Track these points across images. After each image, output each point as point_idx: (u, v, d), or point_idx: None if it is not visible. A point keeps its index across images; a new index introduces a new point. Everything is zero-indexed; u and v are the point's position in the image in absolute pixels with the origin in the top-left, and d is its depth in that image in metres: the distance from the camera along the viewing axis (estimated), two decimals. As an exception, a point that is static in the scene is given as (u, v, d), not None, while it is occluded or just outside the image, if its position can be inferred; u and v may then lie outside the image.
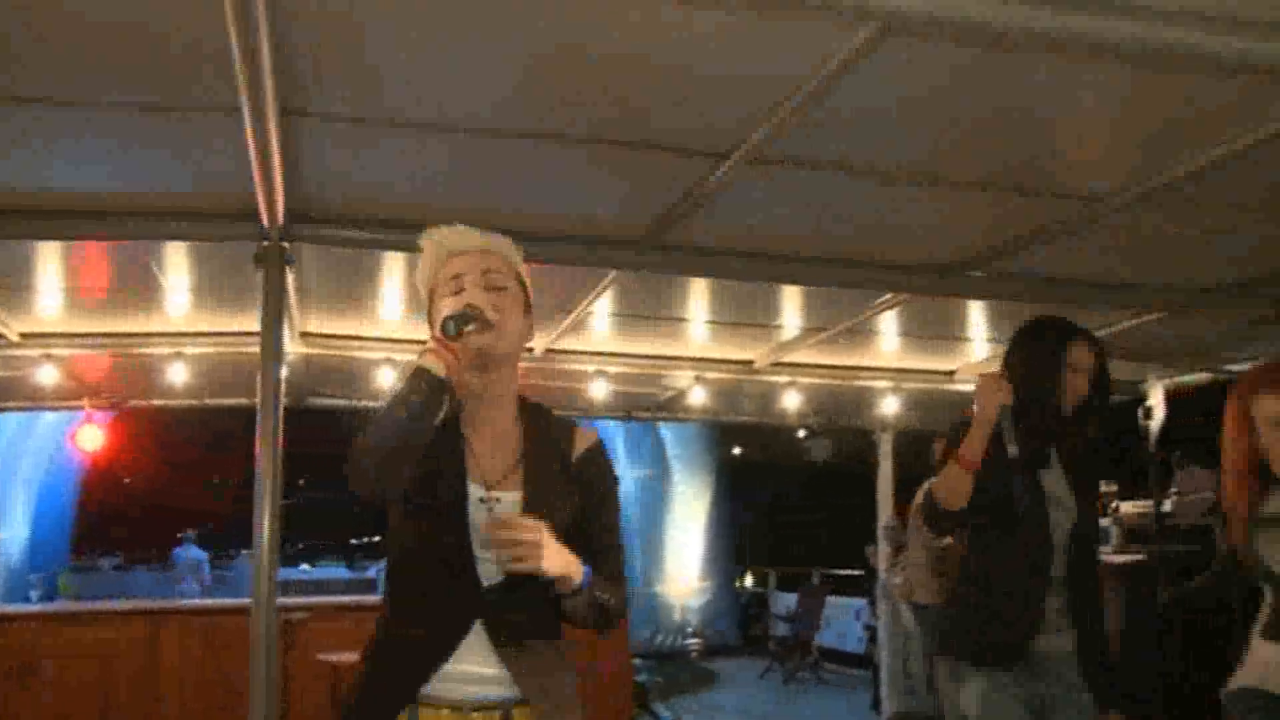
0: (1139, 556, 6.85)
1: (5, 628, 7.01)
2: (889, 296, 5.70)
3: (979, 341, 6.99)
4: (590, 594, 2.15)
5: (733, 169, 3.89)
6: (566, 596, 2.12)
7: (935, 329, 6.62)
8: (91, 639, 6.97)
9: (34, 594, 8.57)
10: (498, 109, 3.60)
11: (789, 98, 3.30)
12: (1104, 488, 7.61)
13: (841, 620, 13.56)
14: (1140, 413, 7.41)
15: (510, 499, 2.15)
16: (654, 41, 3.05)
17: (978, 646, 3.32)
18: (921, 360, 7.60)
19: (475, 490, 2.14)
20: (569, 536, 2.14)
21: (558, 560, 2.05)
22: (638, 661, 9.13)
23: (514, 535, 2.01)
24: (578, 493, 2.25)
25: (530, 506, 2.14)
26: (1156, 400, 7.39)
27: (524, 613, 2.16)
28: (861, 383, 8.03)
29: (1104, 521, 7.22)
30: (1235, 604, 3.48)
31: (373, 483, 2.01)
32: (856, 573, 12.67)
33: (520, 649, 2.14)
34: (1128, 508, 7.49)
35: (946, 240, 4.87)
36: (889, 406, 8.52)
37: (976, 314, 6.26)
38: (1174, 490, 7.25)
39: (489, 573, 2.12)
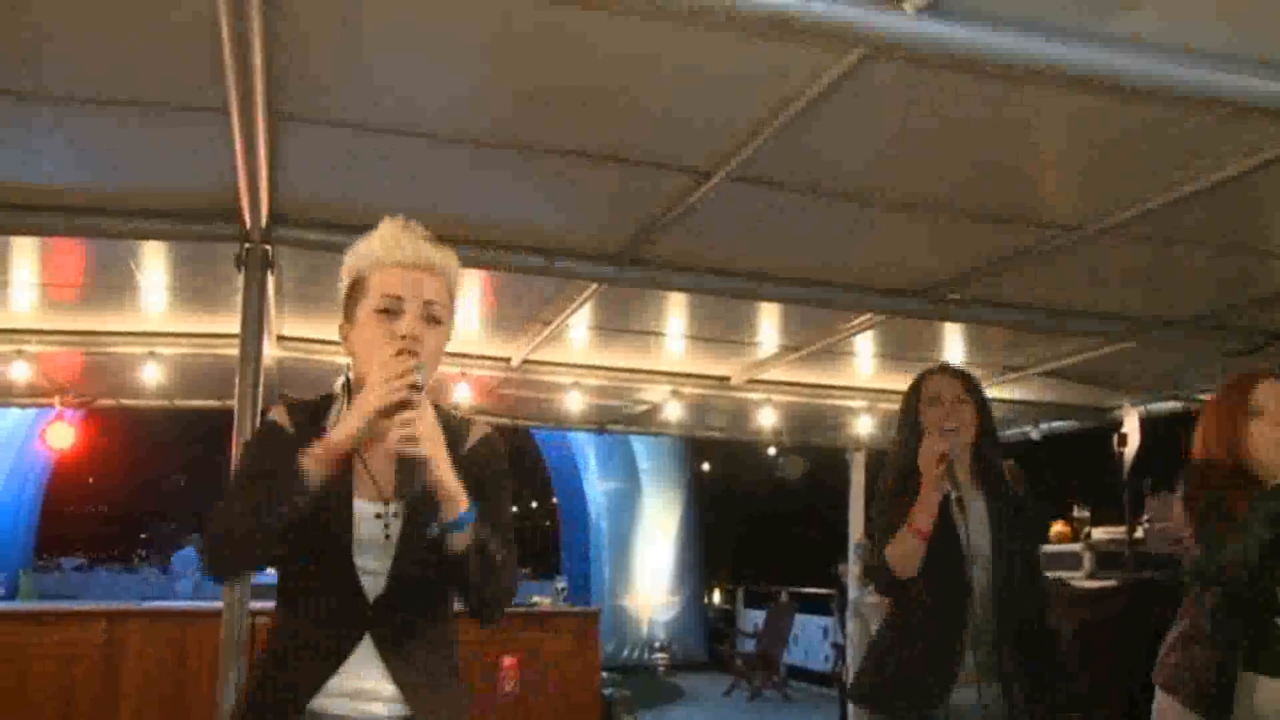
0: (1110, 583, 6.89)
1: (-35, 626, 6.94)
2: (865, 317, 5.75)
3: (955, 364, 7.03)
4: (477, 535, 2.00)
5: (715, 187, 3.92)
6: (451, 528, 1.97)
7: (910, 350, 6.67)
8: (53, 639, 6.90)
9: (-3, 592, 8.49)
10: (481, 120, 3.61)
11: (774, 118, 3.33)
12: (1076, 513, 7.66)
13: (808, 638, 13.60)
14: (1115, 440, 7.47)
15: (395, 509, 2.08)
16: (639, 59, 3.07)
17: (894, 698, 3.26)
18: (896, 380, 7.63)
19: (370, 507, 2.07)
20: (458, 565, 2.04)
21: (447, 468, 1.96)
22: (604, 675, 9.11)
23: (413, 420, 1.94)
24: (466, 485, 2.04)
25: (410, 526, 2.06)
26: (1131, 427, 7.45)
27: (413, 625, 2.10)
28: (836, 401, 8.08)
29: (1075, 547, 7.25)
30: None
31: (235, 569, 2.11)
32: (824, 591, 12.71)
33: (410, 663, 2.08)
34: (1100, 534, 7.54)
35: (922, 263, 4.91)
36: (863, 426, 8.58)
37: (952, 336, 6.32)
38: (1147, 518, 7.30)
39: (375, 587, 2.06)
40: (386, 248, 2.15)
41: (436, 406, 2.17)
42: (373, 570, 2.06)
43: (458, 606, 2.21)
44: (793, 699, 12.55)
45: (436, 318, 2.12)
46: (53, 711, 6.77)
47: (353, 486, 2.08)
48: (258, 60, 3.00)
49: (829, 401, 8.06)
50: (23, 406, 9.46)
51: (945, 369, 3.48)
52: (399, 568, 2.07)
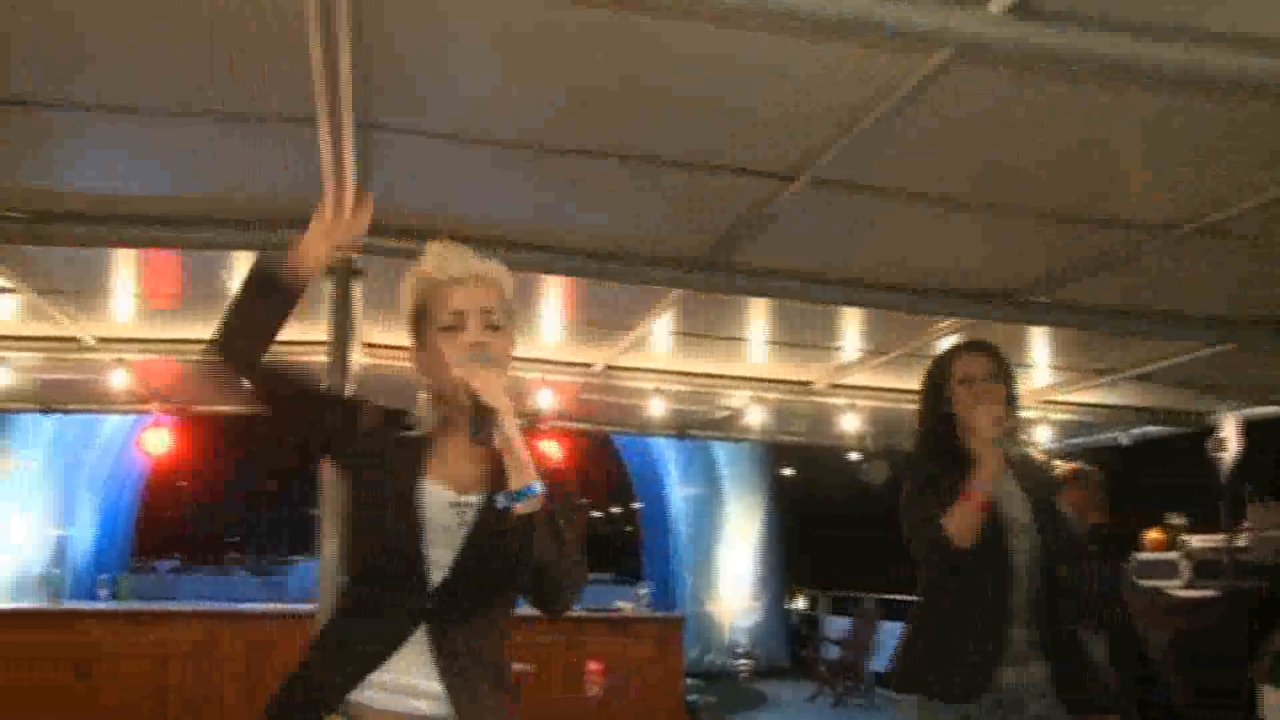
0: (1209, 592, 6.70)
1: (71, 625, 7.16)
2: (949, 321, 5.67)
3: (1041, 368, 6.92)
4: (549, 513, 2.04)
5: (798, 192, 3.90)
6: (521, 496, 2.00)
7: (996, 355, 6.55)
8: (151, 639, 7.09)
9: (102, 593, 8.72)
10: (564, 127, 3.64)
11: (857, 121, 3.31)
12: (1172, 520, 7.47)
13: (895, 645, 13.40)
14: (1210, 445, 7.27)
15: (475, 502, 2.12)
16: (720, 63, 3.07)
17: (940, 681, 3.21)
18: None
19: (444, 494, 2.12)
20: (514, 539, 2.07)
21: (518, 434, 2.02)
22: (687, 680, 9.10)
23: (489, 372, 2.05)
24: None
25: (484, 515, 2.10)
26: (1229, 433, 7.24)
27: (470, 625, 2.11)
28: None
29: (1172, 555, 7.07)
30: None
31: (221, 356, 2.29)
32: (910, 598, 12.53)
33: (460, 664, 2.07)
34: (1197, 542, 7.33)
35: (1008, 266, 4.84)
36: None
37: (1039, 340, 6.20)
38: (1246, 525, 7.09)
39: (438, 578, 2.08)
40: (438, 268, 2.23)
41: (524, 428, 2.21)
42: (439, 562, 2.08)
43: (521, 611, 2.24)
44: (879, 707, 12.40)
45: (497, 325, 2.18)
46: (150, 709, 6.95)
47: (424, 472, 2.13)
48: (346, 70, 3.06)
49: (914, 406, 7.94)
50: (121, 413, 9.74)
51: (975, 346, 3.41)
52: (464, 560, 2.08)
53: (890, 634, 13.33)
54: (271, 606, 8.95)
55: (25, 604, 7.86)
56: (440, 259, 2.25)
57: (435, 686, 2.04)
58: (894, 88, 3.07)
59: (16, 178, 4.24)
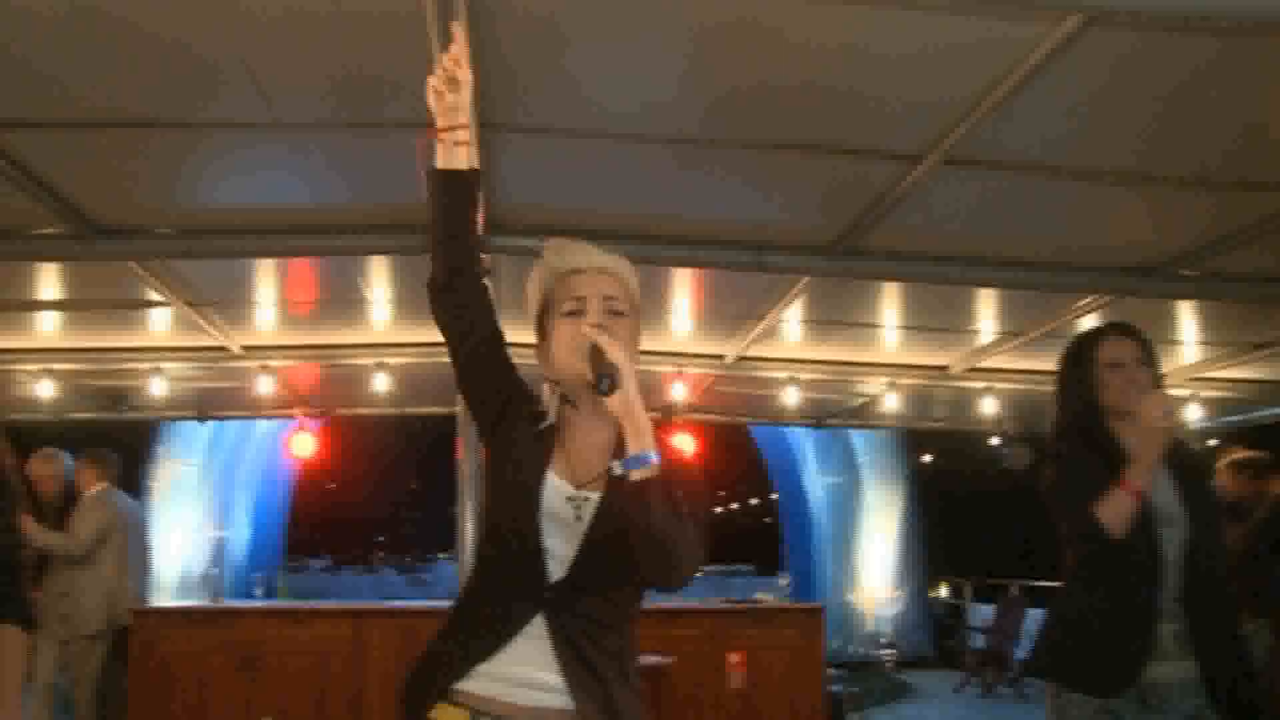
0: None
1: (234, 622, 7.45)
2: (1090, 299, 5.50)
3: (1190, 345, 6.65)
4: (665, 482, 1.98)
5: (926, 172, 3.83)
6: (636, 463, 1.97)
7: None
8: (306, 635, 7.32)
9: (258, 591, 9.07)
10: (686, 118, 3.64)
11: (985, 96, 3.24)
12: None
13: (1037, 630, 13.05)
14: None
15: (594, 498, 2.09)
16: (843, 44, 3.04)
17: (1082, 673, 3.10)
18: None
19: (563, 486, 2.10)
20: (644, 509, 2.03)
21: (637, 396, 2.01)
22: (830, 671, 9.02)
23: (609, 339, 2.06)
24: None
25: (605, 508, 2.07)
26: None
27: (591, 616, 2.08)
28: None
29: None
30: None
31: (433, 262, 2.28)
32: (1058, 584, 12.21)
33: (581, 658, 2.04)
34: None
35: (1151, 239, 4.67)
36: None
37: (1187, 314, 5.96)
38: None
39: (558, 570, 2.07)
40: (561, 259, 2.27)
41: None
42: (559, 554, 2.08)
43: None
44: (1028, 697, 12.12)
45: (619, 310, 2.20)
46: (308, 701, 7.19)
47: (549, 463, 2.13)
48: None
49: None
50: (269, 418, 10.10)
51: (1120, 329, 3.28)
52: (584, 556, 2.07)
53: (1036, 621, 13.00)
54: (418, 603, 9.16)
55: (190, 602, 8.21)
56: (561, 251, 2.28)
57: (555, 679, 2.03)
58: (1022, 60, 3.00)
59: (165, 197, 4.44)
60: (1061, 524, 3.22)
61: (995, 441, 11.90)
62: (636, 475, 1.97)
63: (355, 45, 3.13)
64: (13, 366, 7.01)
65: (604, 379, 1.99)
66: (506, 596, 2.10)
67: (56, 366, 7.03)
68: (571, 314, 2.18)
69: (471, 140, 2.27)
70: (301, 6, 2.96)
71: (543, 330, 2.28)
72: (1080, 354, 3.28)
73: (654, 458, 1.98)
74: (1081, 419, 3.24)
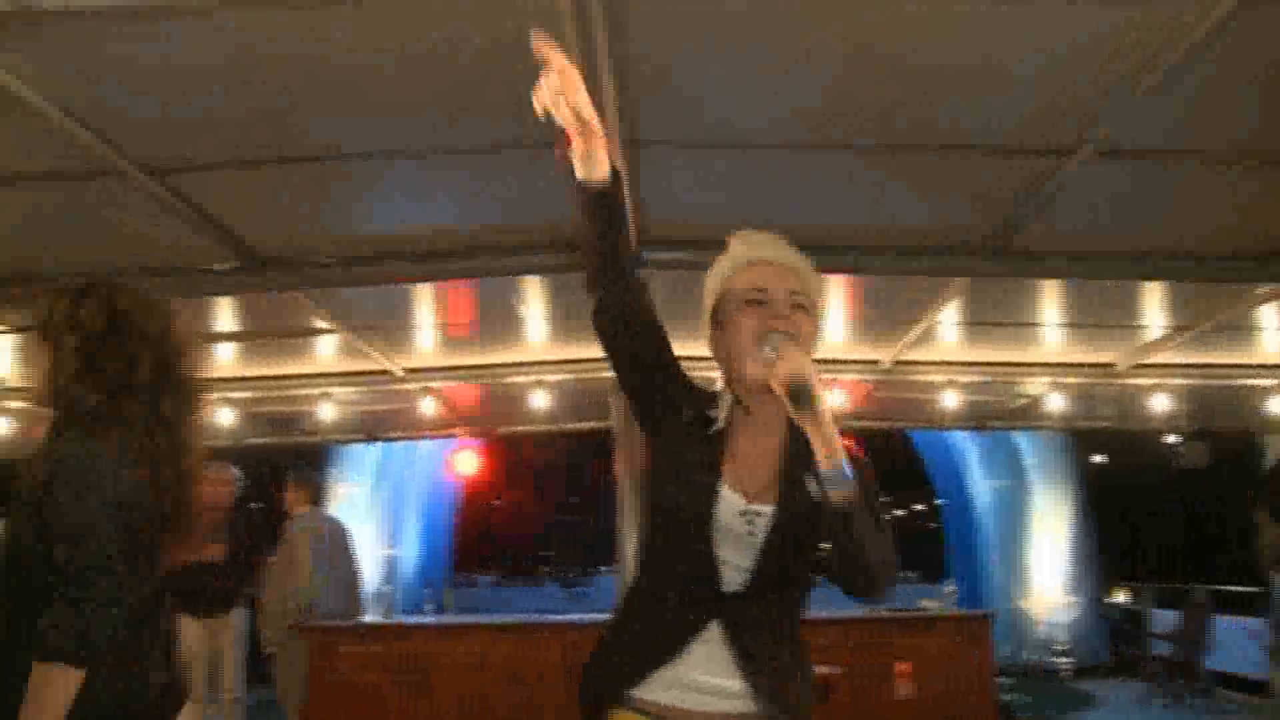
0: None
1: (407, 637, 7.69)
2: (1268, 287, 5.23)
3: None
4: (860, 490, 1.93)
5: (1080, 164, 3.72)
6: (833, 479, 1.92)
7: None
8: (475, 649, 7.50)
9: (428, 607, 9.34)
10: (828, 124, 3.62)
11: (1140, 84, 3.13)
12: None
13: (1231, 641, 12.44)
14: None
15: (767, 512, 2.06)
16: (987, 38, 2.98)
17: None
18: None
19: (736, 500, 2.07)
20: (810, 546, 2.06)
21: (830, 417, 1.92)
22: (1001, 680, 8.78)
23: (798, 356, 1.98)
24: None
25: (779, 522, 2.05)
26: None
27: (767, 622, 2.07)
28: (1241, 381, 7.40)
29: None
30: None
31: (594, 282, 2.16)
32: (1248, 589, 11.61)
33: (761, 663, 2.02)
34: None
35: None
36: (1277, 406, 7.77)
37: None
38: None
39: (733, 580, 2.05)
40: (748, 249, 2.22)
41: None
42: (733, 563, 2.06)
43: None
44: (1224, 711, 11.54)
45: (803, 305, 2.15)
46: (479, 714, 7.35)
47: (720, 473, 2.10)
48: (609, 88, 3.15)
49: (1233, 382, 7.40)
50: (432, 438, 10.41)
51: None
52: (763, 565, 2.05)
53: (1225, 629, 12.39)
54: (581, 616, 9.27)
55: (366, 619, 8.48)
56: (749, 240, 2.24)
57: (736, 684, 2.02)
58: (1177, 43, 2.88)
59: (324, 227, 4.62)
60: None
61: (1171, 440, 11.43)
62: (836, 495, 1.93)
63: (498, 68, 3.21)
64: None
65: (799, 391, 1.93)
66: (680, 603, 2.08)
67: (233, 395, 7.39)
68: (753, 303, 2.13)
69: (610, 137, 2.23)
70: (445, 36, 3.04)
71: (718, 319, 2.21)
72: None
73: (850, 474, 1.93)
74: None
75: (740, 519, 2.07)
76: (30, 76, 3.05)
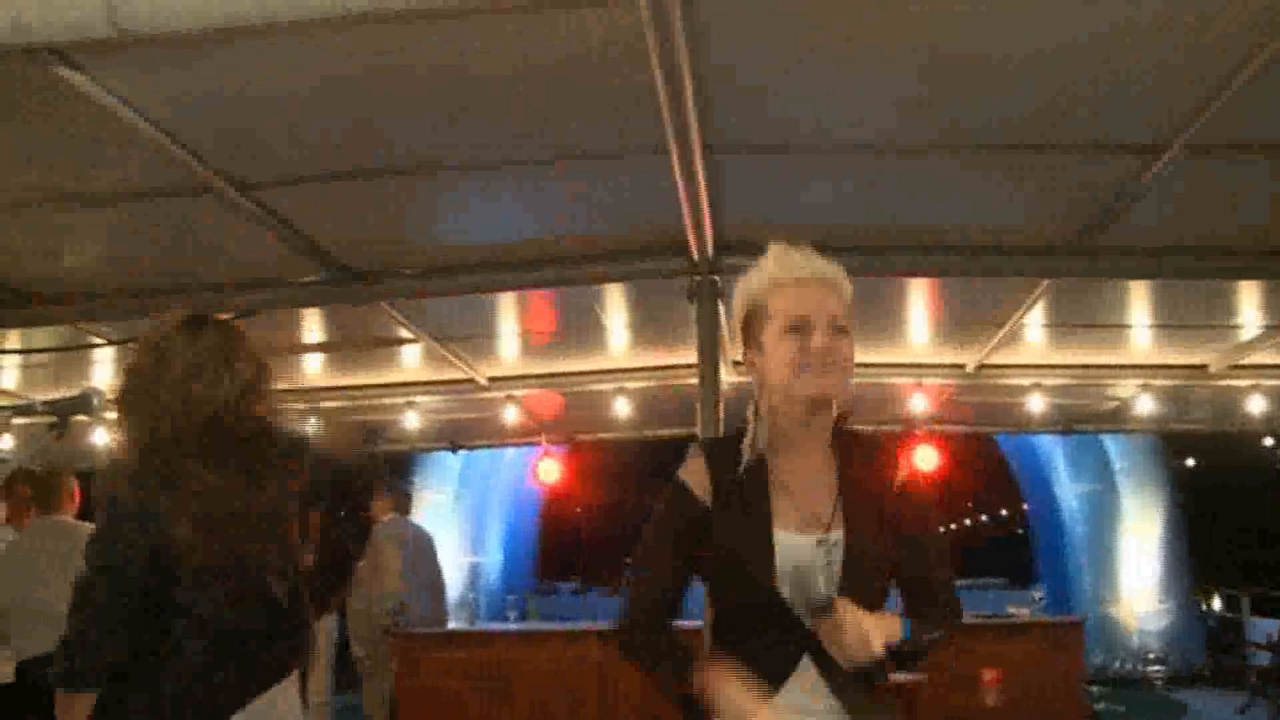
0: None
1: (489, 644, 7.76)
2: (1370, 284, 5.07)
3: None
4: (915, 643, 2.08)
5: (1170, 162, 3.64)
6: (894, 654, 2.03)
7: None
8: (556, 657, 7.55)
9: (511, 615, 9.44)
10: (908, 125, 3.59)
11: (1234, 76, 3.05)
12: None
13: None
14: None
15: (837, 538, 2.07)
16: (1072, 34, 2.94)
17: None
18: None
19: (797, 540, 2.08)
20: (885, 566, 2.12)
21: (880, 634, 2.00)
22: (1093, 689, 8.61)
23: (841, 640, 1.98)
24: (900, 524, 2.12)
25: (851, 547, 2.07)
26: None
27: None
28: (1345, 382, 7.19)
29: None
30: None
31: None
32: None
33: (852, 684, 2.06)
34: None
35: None
36: (1380, 407, 7.53)
37: None
38: None
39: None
40: (784, 268, 2.17)
41: (849, 435, 2.20)
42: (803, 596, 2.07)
43: None
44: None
45: (843, 329, 2.12)
46: (563, 720, 7.40)
47: (774, 512, 2.10)
48: (689, 95, 3.16)
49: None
50: (515, 445, 10.50)
51: None
52: (843, 592, 2.05)
53: (1327, 636, 11.99)
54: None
55: (450, 626, 8.57)
56: (785, 258, 2.19)
57: (834, 705, 2.06)
58: (1275, 32, 2.81)
59: (407, 240, 4.69)
60: None
61: (1269, 443, 11.10)
62: (900, 678, 2.05)
63: (581, 79, 3.23)
64: (284, 406, 7.54)
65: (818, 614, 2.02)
66: (768, 641, 2.09)
67: (321, 404, 7.53)
68: (794, 330, 2.10)
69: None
70: (528, 48, 3.07)
71: (752, 337, 2.20)
72: None
73: (905, 635, 2.06)
74: None
75: (813, 552, 2.08)
76: (130, 97, 3.14)
